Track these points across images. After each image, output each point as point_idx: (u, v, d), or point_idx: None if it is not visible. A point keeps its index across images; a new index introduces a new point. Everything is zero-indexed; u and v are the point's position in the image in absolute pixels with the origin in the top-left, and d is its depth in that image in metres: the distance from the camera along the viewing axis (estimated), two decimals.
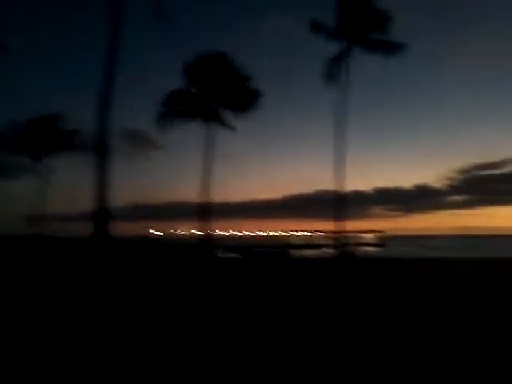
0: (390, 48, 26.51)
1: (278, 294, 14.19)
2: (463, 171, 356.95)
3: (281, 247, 58.82)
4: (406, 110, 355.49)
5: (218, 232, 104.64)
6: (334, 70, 27.79)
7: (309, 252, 61.12)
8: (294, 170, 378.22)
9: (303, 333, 8.28)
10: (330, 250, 54.08)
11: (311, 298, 13.16)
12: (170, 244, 65.07)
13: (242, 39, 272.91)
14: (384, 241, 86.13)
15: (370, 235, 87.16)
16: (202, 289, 15.98)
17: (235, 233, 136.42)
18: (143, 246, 55.09)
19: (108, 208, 19.82)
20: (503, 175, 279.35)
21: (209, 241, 34.63)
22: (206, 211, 31.82)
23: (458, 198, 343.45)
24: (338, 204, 29.06)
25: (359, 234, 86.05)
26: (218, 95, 32.69)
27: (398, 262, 35.34)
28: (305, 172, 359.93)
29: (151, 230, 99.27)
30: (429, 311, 10.71)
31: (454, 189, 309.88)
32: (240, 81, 32.23)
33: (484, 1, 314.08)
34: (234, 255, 44.85)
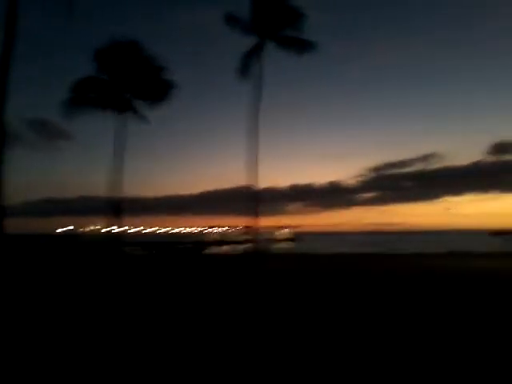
0: (303, 45, 26.81)
1: (181, 290, 13.80)
2: (374, 169, 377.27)
3: (194, 243, 58.16)
4: (319, 108, 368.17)
5: (129, 228, 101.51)
6: (247, 64, 27.70)
7: (222, 248, 61.15)
8: (211, 165, 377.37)
9: (195, 328, 7.99)
10: (243, 246, 54.50)
11: (214, 294, 12.93)
12: (78, 241, 62.15)
13: (157, 30, 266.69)
14: (297, 236, 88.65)
15: (284, 231, 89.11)
16: (101, 286, 15.14)
17: (149, 229, 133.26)
18: (47, 244, 51.98)
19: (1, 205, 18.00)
20: (409, 173, 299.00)
21: (118, 237, 33.23)
22: (117, 206, 30.36)
23: (369, 195, 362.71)
24: (252, 200, 29.08)
25: (273, 230, 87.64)
26: (130, 84, 31.39)
27: (308, 257, 36.36)
28: (222, 167, 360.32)
29: (60, 226, 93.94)
30: (321, 303, 10.89)
31: (365, 186, 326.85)
32: (154, 71, 31.16)
33: (392, 2, 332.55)
34: (142, 252, 43.68)
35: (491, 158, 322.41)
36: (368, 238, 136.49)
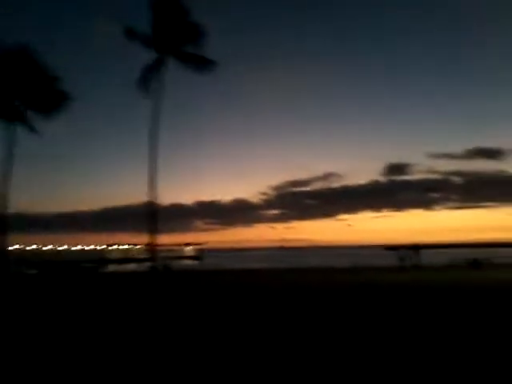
0: (203, 63, 26.93)
1: (71, 310, 13.09)
2: (277, 187, 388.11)
3: (92, 261, 55.51)
4: (225, 126, 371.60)
5: (22, 246, 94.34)
6: (147, 79, 27.26)
7: (123, 266, 59.01)
8: (113, 180, 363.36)
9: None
10: (145, 264, 53.02)
11: (107, 312, 12.43)
12: None
13: (55, 40, 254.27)
14: (202, 253, 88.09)
15: (189, 248, 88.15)
16: None
17: (46, 247, 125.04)
18: None
19: None
20: (311, 192, 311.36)
21: (5, 256, 30.66)
22: (1, 223, 28.06)
23: (273, 212, 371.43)
24: (153, 217, 28.40)
25: (178, 247, 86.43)
26: (21, 93, 29.55)
27: (211, 273, 36.30)
28: (124, 183, 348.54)
29: None
30: (217, 318, 10.93)
31: (269, 204, 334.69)
32: (48, 81, 29.62)
33: (289, 23, 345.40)
34: (33, 271, 40.85)
35: (385, 178, 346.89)
36: (273, 253, 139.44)
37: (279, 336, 8.76)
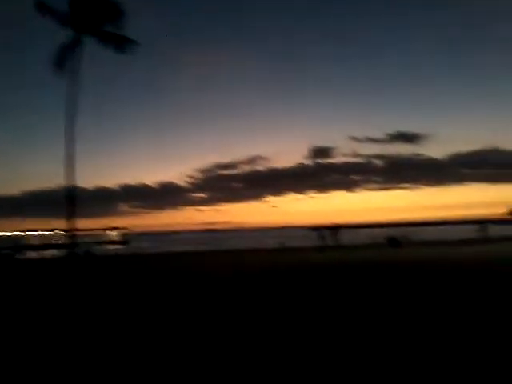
0: (122, 42, 26.16)
1: None
2: (204, 170, 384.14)
3: (9, 248, 52.77)
4: (150, 107, 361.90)
5: None
6: (63, 58, 26.06)
7: (42, 252, 56.60)
8: (31, 163, 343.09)
9: None
10: (66, 250, 51.20)
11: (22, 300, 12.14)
12: None
13: None
14: (128, 237, 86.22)
15: (114, 232, 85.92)
16: None
17: None
18: None
19: None
20: (238, 175, 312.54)
21: None
22: None
23: (200, 195, 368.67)
24: (72, 201, 27.49)
25: (102, 232, 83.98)
26: None
27: (135, 258, 35.90)
28: (45, 166, 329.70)
29: None
30: (139, 301, 11.06)
31: (196, 187, 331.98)
32: None
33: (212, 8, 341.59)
34: None
35: (311, 161, 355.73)
36: (200, 236, 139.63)
37: (198, 320, 9.08)
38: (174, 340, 7.30)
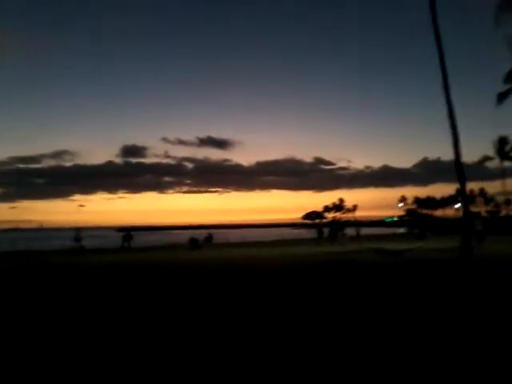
0: None
1: None
2: (1, 164, 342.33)
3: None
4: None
5: None
6: None
7: None
8: None
9: None
10: None
11: None
12: None
13: None
14: None
15: None
16: None
17: None
18: None
19: None
20: (40, 170, 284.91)
21: None
22: None
23: None
24: None
25: None
26: None
27: None
28: None
29: None
30: None
31: None
32: None
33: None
34: None
35: (121, 160, 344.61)
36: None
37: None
38: None
